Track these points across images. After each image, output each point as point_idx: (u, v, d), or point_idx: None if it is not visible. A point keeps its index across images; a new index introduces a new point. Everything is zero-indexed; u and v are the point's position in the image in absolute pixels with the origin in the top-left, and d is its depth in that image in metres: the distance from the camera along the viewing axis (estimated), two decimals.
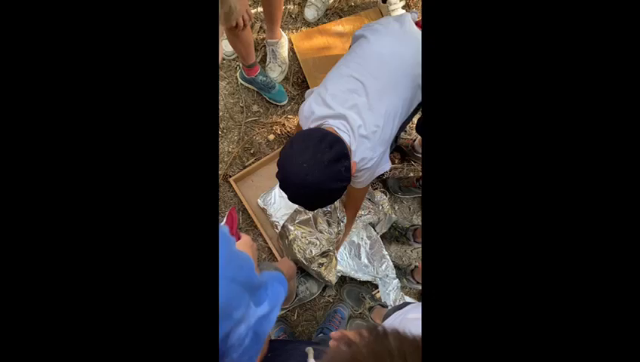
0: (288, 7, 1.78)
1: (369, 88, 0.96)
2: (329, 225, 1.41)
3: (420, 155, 1.58)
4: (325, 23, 1.75)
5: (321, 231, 1.41)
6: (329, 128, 0.95)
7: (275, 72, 1.69)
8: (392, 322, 0.85)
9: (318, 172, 0.85)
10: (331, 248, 1.40)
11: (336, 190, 0.91)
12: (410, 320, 0.80)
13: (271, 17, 1.51)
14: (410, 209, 1.62)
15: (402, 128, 1.17)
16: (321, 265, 1.40)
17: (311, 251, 1.38)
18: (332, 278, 1.42)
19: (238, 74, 1.69)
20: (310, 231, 1.40)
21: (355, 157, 0.96)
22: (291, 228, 1.41)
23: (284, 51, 1.68)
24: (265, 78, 1.62)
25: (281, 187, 0.91)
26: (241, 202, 1.56)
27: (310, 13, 1.74)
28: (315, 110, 0.98)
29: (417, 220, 1.60)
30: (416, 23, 1.10)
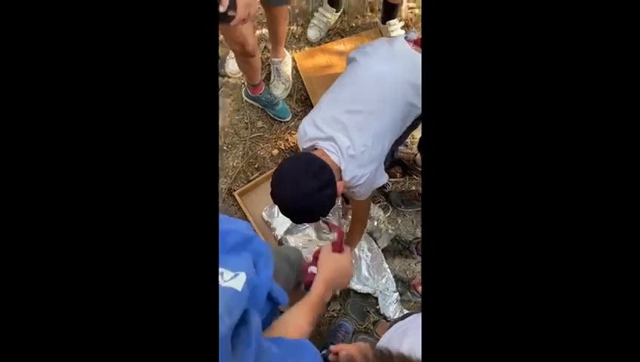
0: (292, 28, 1.85)
1: (358, 110, 1.02)
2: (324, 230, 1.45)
3: (421, 169, 1.61)
4: (327, 42, 1.81)
5: (320, 238, 1.43)
6: (319, 150, 1.01)
7: (279, 90, 1.74)
8: (394, 332, 0.85)
9: (302, 199, 0.93)
10: None
11: (320, 213, 0.99)
12: (419, 327, 0.80)
13: (275, 37, 1.57)
14: (413, 222, 1.63)
15: (399, 143, 1.20)
16: None
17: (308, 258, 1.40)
18: None
19: (243, 91, 1.74)
20: (309, 240, 1.42)
21: (346, 176, 1.02)
22: (289, 238, 1.44)
23: (287, 69, 1.74)
24: (269, 96, 1.67)
25: (274, 203, 0.99)
26: (246, 216, 1.58)
27: (313, 34, 1.80)
28: (308, 131, 1.04)
29: (420, 233, 1.61)
30: (415, 41, 1.14)
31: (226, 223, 0.75)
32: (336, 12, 1.79)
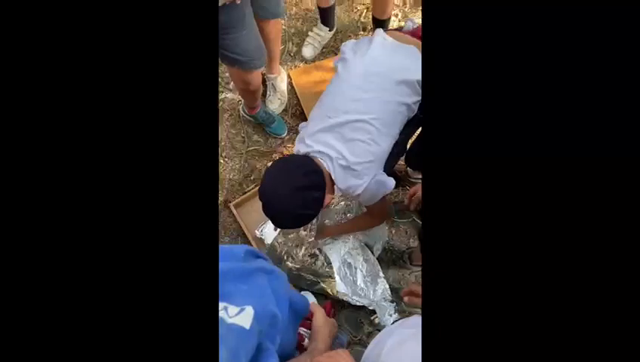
0: (288, 46, 1.92)
1: (344, 122, 1.00)
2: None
3: (414, 180, 1.63)
4: (322, 59, 1.88)
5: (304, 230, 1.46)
6: (313, 157, 1.02)
7: (275, 104, 1.79)
8: (381, 336, 0.85)
9: (286, 196, 0.92)
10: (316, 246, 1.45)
11: (300, 216, 0.97)
12: (402, 327, 0.80)
13: (270, 54, 1.64)
14: (407, 233, 1.64)
15: (398, 146, 1.16)
16: (314, 262, 1.44)
17: (297, 253, 1.43)
18: (329, 270, 1.45)
19: (240, 107, 1.80)
20: (296, 236, 1.47)
21: (340, 185, 1.01)
22: (280, 240, 1.48)
23: (283, 85, 1.80)
24: (264, 115, 1.72)
25: (259, 198, 0.98)
26: (240, 227, 1.60)
27: (308, 52, 1.87)
28: (300, 149, 1.06)
29: (414, 243, 1.61)
30: (413, 32, 1.11)
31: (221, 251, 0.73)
32: (330, 31, 1.86)
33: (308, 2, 1.96)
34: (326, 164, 1.00)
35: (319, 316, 0.78)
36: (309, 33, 1.89)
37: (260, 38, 1.31)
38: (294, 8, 1.98)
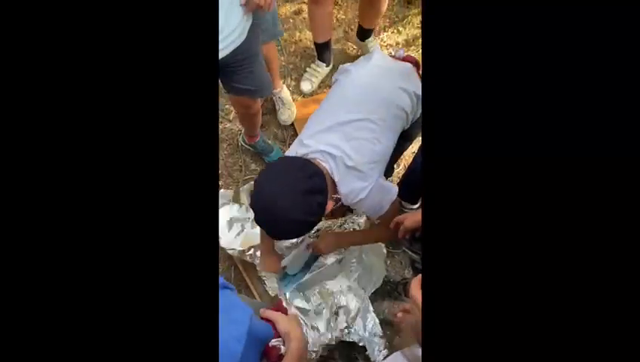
0: (287, 81, 2.00)
1: (346, 121, 0.97)
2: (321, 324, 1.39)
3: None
4: (319, 93, 1.95)
5: (313, 329, 1.36)
6: (313, 159, 0.94)
7: (286, 115, 1.84)
8: None
9: (289, 199, 0.83)
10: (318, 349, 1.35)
11: (302, 223, 0.88)
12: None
13: (270, 72, 1.69)
14: (402, 263, 1.61)
15: (389, 165, 1.16)
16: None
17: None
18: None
19: (240, 137, 1.84)
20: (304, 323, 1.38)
21: (342, 188, 0.94)
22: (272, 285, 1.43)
23: (288, 96, 1.86)
24: (263, 144, 1.76)
25: (251, 206, 0.89)
26: (231, 257, 1.58)
27: (306, 86, 1.95)
28: (298, 150, 0.98)
29: (409, 274, 1.58)
30: (404, 58, 1.17)
31: None
32: (327, 67, 1.95)
33: (306, 41, 2.07)
34: (328, 165, 0.93)
35: (280, 320, 0.75)
36: (307, 69, 1.98)
37: (266, 71, 1.38)
38: (294, 46, 2.09)
